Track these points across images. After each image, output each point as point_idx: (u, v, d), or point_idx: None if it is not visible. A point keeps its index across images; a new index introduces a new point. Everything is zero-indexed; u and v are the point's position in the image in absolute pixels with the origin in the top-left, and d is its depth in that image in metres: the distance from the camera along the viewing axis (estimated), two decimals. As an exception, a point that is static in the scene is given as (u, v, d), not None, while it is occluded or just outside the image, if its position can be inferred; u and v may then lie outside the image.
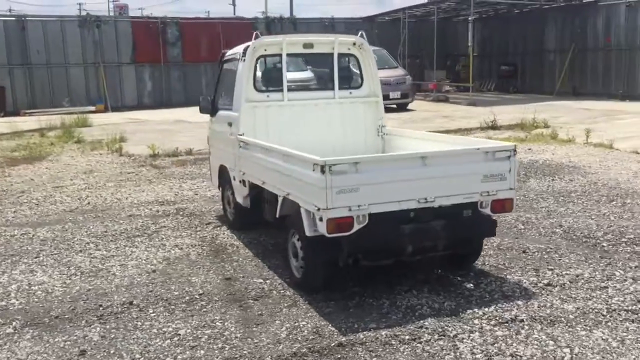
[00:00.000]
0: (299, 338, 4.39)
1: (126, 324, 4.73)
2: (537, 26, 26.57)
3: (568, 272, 5.46)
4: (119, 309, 5.02)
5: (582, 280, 5.25)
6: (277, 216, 5.55)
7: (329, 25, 27.74)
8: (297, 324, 4.60)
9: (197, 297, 5.22)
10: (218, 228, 7.32)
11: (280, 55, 6.67)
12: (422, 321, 4.54)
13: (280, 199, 5.45)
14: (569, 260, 5.78)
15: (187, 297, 5.21)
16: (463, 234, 5.11)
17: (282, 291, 5.27)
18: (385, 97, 19.17)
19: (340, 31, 27.88)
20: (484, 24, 29.43)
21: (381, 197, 4.67)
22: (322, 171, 4.49)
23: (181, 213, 8.13)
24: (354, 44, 6.91)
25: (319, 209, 4.58)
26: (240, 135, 6.46)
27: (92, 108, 23.19)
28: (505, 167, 5.01)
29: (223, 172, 7.36)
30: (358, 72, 7.02)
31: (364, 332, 4.40)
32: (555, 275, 5.38)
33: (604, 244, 6.24)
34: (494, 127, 15.51)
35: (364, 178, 4.59)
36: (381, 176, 4.66)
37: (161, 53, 25.52)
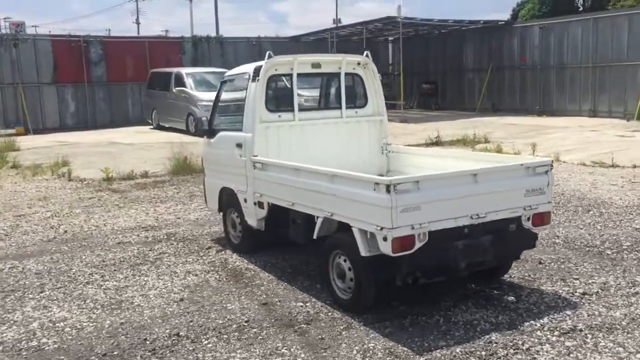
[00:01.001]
0: (373, 354, 4.36)
1: (186, 357, 4.51)
2: (457, 46, 27.80)
3: (594, 280, 5.73)
4: (168, 341, 4.78)
5: (613, 288, 5.53)
6: (315, 237, 5.49)
7: (257, 45, 27.70)
8: (365, 346, 4.55)
9: (245, 324, 5.05)
10: (222, 252, 7.12)
11: (290, 75, 6.64)
12: (487, 336, 4.62)
13: (319, 220, 5.40)
14: (586, 269, 6.07)
15: (234, 325, 5.03)
16: (509, 248, 5.27)
17: (328, 314, 5.20)
18: None
19: (267, 50, 28.00)
20: (405, 44, 30.39)
21: (439, 215, 4.74)
22: (388, 191, 4.50)
23: (173, 238, 7.84)
24: (359, 63, 6.99)
25: (381, 229, 4.58)
26: (255, 156, 6.36)
27: (12, 131, 21.88)
28: (544, 181, 5.23)
29: (225, 195, 7.19)
30: (362, 91, 7.09)
31: (438, 351, 4.42)
32: (584, 285, 5.63)
33: (608, 252, 6.60)
34: (437, 143, 16.03)
35: (425, 196, 4.64)
36: (439, 194, 4.73)
37: (84, 72, 24.48)
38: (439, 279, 5.14)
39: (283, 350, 4.55)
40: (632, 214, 8.20)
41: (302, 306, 5.39)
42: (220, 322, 5.12)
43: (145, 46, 25.66)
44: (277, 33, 40.76)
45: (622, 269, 6.05)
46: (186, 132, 20.32)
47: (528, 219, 5.22)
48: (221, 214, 7.50)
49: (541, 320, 4.86)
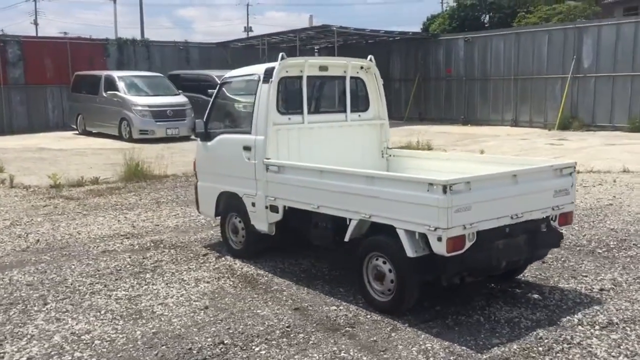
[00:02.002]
0: (435, 356, 4.38)
1: (245, 365, 4.34)
2: (384, 57, 28.30)
3: (603, 277, 6.02)
4: (217, 350, 4.58)
5: (624, 284, 5.83)
6: (347, 240, 5.44)
7: (184, 50, 27.13)
8: (422, 346, 4.56)
9: (288, 329, 4.92)
10: (222, 258, 6.90)
11: (300, 77, 6.56)
12: (534, 333, 4.75)
13: (353, 223, 5.36)
14: (589, 267, 6.36)
15: (277, 331, 4.89)
16: (540, 247, 5.44)
17: (367, 316, 5.16)
18: None
19: (194, 55, 27.53)
20: (331, 53, 30.76)
21: (486, 215, 4.83)
22: (444, 191, 4.54)
23: (162, 245, 7.52)
24: (362, 67, 7.01)
25: (435, 229, 4.61)
26: (268, 159, 6.23)
27: None
28: (569, 182, 5.45)
29: (225, 199, 6.99)
30: (364, 95, 7.12)
31: (497, 348, 4.50)
32: (596, 281, 5.91)
33: (599, 251, 6.95)
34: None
35: (475, 196, 4.71)
36: (487, 194, 4.82)
37: (0, 74, 23.01)
38: (481, 277, 5.23)
39: (342, 354, 4.47)
40: (599, 215, 8.67)
41: (335, 310, 5.33)
42: (261, 328, 4.96)
43: (67, 47, 24.47)
44: (185, 39, 39.94)
45: (620, 266, 6.39)
46: (119, 137, 19.61)
47: (555, 218, 5.42)
48: (218, 219, 7.27)
49: (576, 316, 5.06)
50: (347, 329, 4.92)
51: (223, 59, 27.68)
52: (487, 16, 46.62)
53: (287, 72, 6.47)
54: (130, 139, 19.11)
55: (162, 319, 5.21)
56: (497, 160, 6.62)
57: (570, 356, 4.37)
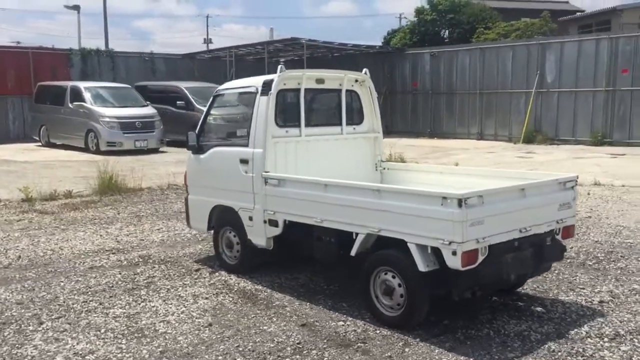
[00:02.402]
0: (454, 374, 4.36)
1: (263, 384, 4.24)
2: (350, 70, 28.52)
3: (600, 289, 6.11)
4: (230, 369, 4.46)
5: (622, 296, 5.93)
6: (354, 254, 5.40)
7: (149, 61, 26.77)
8: (433, 356, 4.54)
9: (299, 346, 4.84)
10: (216, 273, 6.76)
11: (297, 90, 6.52)
12: (545, 346, 4.78)
13: (360, 237, 5.32)
14: (584, 280, 6.46)
15: (288, 348, 4.80)
16: (545, 260, 5.49)
17: (376, 331, 5.12)
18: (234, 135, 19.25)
19: (160, 66, 27.19)
20: (297, 65, 30.82)
21: (498, 228, 4.85)
22: (459, 205, 4.55)
23: (151, 261, 7.33)
24: (357, 80, 7.01)
25: (450, 243, 4.60)
26: (267, 172, 6.15)
27: None
28: (571, 196, 5.53)
29: (218, 213, 6.87)
30: (359, 108, 7.11)
31: (514, 362, 4.51)
32: (594, 293, 6.00)
33: (589, 263, 7.07)
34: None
35: (487, 210, 4.73)
36: (498, 208, 4.85)
37: (-42, 83, 22.30)
38: (491, 291, 5.25)
39: (360, 371, 4.41)
40: (581, 227, 8.82)
41: (343, 325, 5.27)
42: (271, 345, 4.86)
43: (29, 57, 23.85)
44: (141, 49, 39.40)
45: (613, 278, 6.51)
46: (85, 149, 19.18)
47: (558, 232, 5.49)
48: (206, 233, 7.14)
49: (583, 329, 5.11)
50: (358, 344, 4.87)
51: (189, 70, 27.44)
52: (447, 31, 47.48)
53: (284, 84, 6.42)
54: (98, 151, 18.72)
55: (167, 337, 5.06)
56: (493, 174, 6.67)
57: (586, 369, 4.41)
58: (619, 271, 6.78)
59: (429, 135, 25.28)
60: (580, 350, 4.69)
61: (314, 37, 26.10)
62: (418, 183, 6.70)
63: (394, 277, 5.13)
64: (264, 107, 6.24)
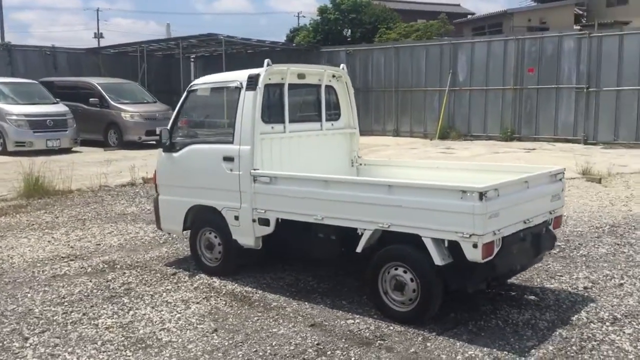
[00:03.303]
0: (483, 366, 4.40)
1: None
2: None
3: (578, 276, 6.35)
4: (260, 375, 4.26)
5: (600, 281, 6.19)
6: (360, 251, 5.31)
7: (50, 55, 25.21)
8: (466, 354, 4.55)
9: (320, 347, 4.70)
10: (196, 276, 6.46)
11: (280, 85, 6.34)
12: (555, 333, 4.92)
13: (367, 233, 5.25)
14: (560, 268, 6.70)
15: (310, 350, 4.65)
16: (541, 250, 5.65)
17: (390, 327, 5.06)
18: (152, 133, 18.60)
19: (62, 61, 25.73)
20: (207, 62, 30.23)
21: (509, 220, 4.94)
22: (480, 198, 4.59)
23: (118, 267, 6.89)
24: (334, 75, 6.93)
25: (470, 236, 4.64)
26: (256, 169, 5.95)
27: None
28: (560, 187, 5.75)
29: (196, 214, 6.56)
30: (336, 103, 7.04)
31: (536, 350, 4.59)
32: (575, 280, 6.25)
33: (554, 252, 7.32)
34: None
35: (502, 202, 4.81)
36: (510, 200, 4.94)
37: None
38: (502, 282, 5.34)
39: (392, 369, 4.35)
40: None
41: (353, 323, 5.18)
42: (291, 348, 4.70)
43: None
44: (21, 42, 37.13)
45: (582, 265, 6.81)
46: (-10, 149, 17.80)
47: (551, 222, 5.69)
48: (166, 235, 6.81)
49: (581, 314, 5.31)
50: (378, 342, 4.80)
51: (94, 66, 26.12)
52: (350, 31, 48.23)
53: (269, 79, 6.22)
54: (5, 152, 17.45)
55: (175, 346, 4.77)
56: (473, 168, 6.88)
57: (604, 352, 4.58)
58: (584, 258, 7.11)
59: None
60: (590, 335, 4.87)
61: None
62: (387, 178, 6.69)
63: (405, 272, 5.10)
64: (251, 102, 6.02)
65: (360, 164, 7.20)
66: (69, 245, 7.83)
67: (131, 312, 5.48)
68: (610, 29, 24.64)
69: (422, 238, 4.91)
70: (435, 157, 16.83)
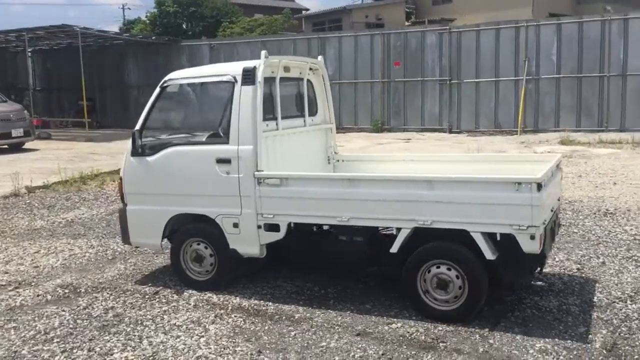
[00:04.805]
0: (557, 354, 4.39)
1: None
2: (119, 61, 26.57)
3: (561, 260, 6.59)
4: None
5: (587, 264, 6.46)
6: (396, 251, 5.06)
7: None
8: (536, 347, 4.49)
9: (387, 356, 4.41)
10: (186, 293, 5.79)
11: (271, 79, 5.87)
12: (592, 315, 5.05)
13: (404, 232, 5.01)
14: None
15: (376, 356, 4.35)
16: (555, 235, 5.74)
17: (438, 328, 4.83)
18: (7, 136, 16.77)
19: None
20: (47, 56, 27.79)
21: (548, 209, 4.99)
22: (538, 189, 4.57)
23: (83, 290, 6.00)
24: (310, 68, 6.57)
25: (527, 227, 4.60)
26: (260, 171, 5.45)
27: None
28: (560, 175, 5.93)
29: (178, 224, 5.89)
30: (314, 97, 6.68)
31: (593, 336, 4.66)
32: (562, 263, 6.48)
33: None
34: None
35: (546, 192, 4.82)
36: (549, 189, 4.97)
37: None
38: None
39: (481, 371, 4.18)
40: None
41: (398, 328, 4.91)
42: (358, 357, 4.34)
43: None
44: None
45: (560, 250, 7.00)
46: None
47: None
48: (163, 248, 6.08)
49: (597, 296, 5.51)
50: (440, 344, 4.61)
51: None
52: (190, 24, 46.94)
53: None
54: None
55: (228, 375, 4.20)
56: (439, 159, 6.97)
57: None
58: (559, 244, 7.38)
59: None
60: (623, 316, 5.05)
61: (9, 24, 23.67)
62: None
63: (449, 269, 4.95)
64: (249, 98, 5.49)
65: (337, 160, 6.91)
66: (17, 269, 6.67)
67: (145, 342, 4.75)
68: (439, 24, 26.49)
69: (471, 233, 4.79)
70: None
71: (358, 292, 5.72)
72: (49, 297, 5.83)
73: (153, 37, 25.68)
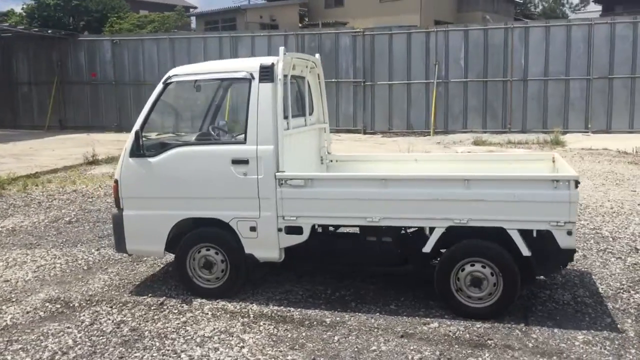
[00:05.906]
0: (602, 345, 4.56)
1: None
2: (6, 57, 24.59)
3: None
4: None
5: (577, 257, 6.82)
6: (429, 251, 5.04)
7: None
8: (580, 339, 4.62)
9: (445, 356, 4.37)
10: (196, 302, 5.45)
11: (284, 76, 5.64)
12: (608, 306, 5.30)
13: (438, 231, 5.00)
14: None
15: (434, 357, 4.30)
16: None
17: (476, 326, 4.85)
18: None
19: None
20: None
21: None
22: (576, 186, 4.73)
23: (76, 305, 5.49)
24: (307, 66, 6.41)
25: (565, 223, 4.74)
26: (282, 172, 5.24)
27: None
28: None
29: (185, 229, 5.53)
30: (310, 96, 6.52)
31: (622, 325, 4.89)
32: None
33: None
34: (95, 162, 14.59)
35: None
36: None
37: None
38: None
39: (544, 365, 4.25)
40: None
41: (437, 327, 4.88)
42: (417, 359, 4.29)
43: None
44: None
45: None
46: None
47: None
48: (167, 255, 5.67)
49: (604, 286, 5.76)
50: (488, 341, 4.64)
51: None
52: (72, 18, 44.45)
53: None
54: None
55: (297, 387, 3.98)
56: (434, 158, 7.01)
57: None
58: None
59: (116, 129, 23.51)
60: (635, 305, 5.33)
61: None
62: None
63: (484, 267, 4.99)
64: (269, 96, 5.26)
65: (331, 160, 6.78)
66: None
67: (184, 356, 4.41)
68: (334, 27, 27.01)
69: (508, 230, 4.87)
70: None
71: (372, 294, 5.64)
72: (41, 313, 5.27)
73: (49, 31, 23.91)
